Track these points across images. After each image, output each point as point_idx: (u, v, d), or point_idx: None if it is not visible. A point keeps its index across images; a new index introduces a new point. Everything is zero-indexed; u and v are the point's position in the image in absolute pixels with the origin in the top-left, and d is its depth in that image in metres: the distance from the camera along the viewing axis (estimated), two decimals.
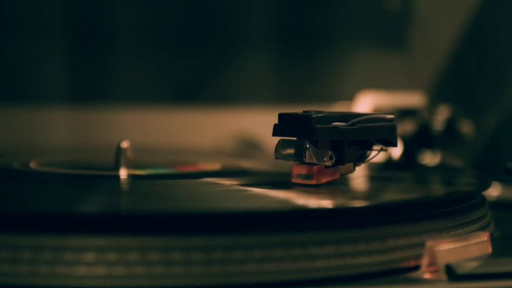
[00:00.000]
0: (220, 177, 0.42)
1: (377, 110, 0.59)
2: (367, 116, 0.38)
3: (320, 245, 0.31)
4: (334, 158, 0.38)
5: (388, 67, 0.76)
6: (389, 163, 0.54)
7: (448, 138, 0.58)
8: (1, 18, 0.71)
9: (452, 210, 0.36)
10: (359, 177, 0.43)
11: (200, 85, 0.74)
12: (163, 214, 0.31)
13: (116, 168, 0.44)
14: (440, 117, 0.58)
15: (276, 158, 0.38)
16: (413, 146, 0.57)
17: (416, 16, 0.76)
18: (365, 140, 0.39)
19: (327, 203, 0.35)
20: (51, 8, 0.71)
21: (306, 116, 0.37)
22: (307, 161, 0.37)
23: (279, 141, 0.38)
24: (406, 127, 0.57)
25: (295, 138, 0.38)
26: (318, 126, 0.37)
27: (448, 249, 0.32)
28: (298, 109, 0.39)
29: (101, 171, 0.46)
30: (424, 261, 0.32)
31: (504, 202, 0.50)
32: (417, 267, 0.33)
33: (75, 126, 0.71)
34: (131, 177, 0.43)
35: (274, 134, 0.38)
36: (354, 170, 0.40)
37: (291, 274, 0.31)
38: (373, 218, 0.33)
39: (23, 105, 0.70)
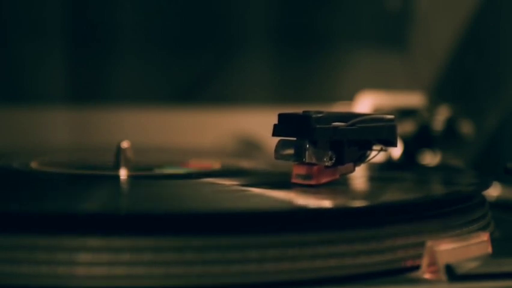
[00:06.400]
0: (219, 177, 0.42)
1: (377, 110, 0.59)
2: (367, 116, 0.38)
3: (318, 245, 0.31)
4: (334, 158, 0.38)
5: (388, 67, 0.76)
6: (389, 163, 0.54)
7: (448, 138, 0.58)
8: (1, 18, 0.71)
9: (452, 210, 0.36)
10: (359, 177, 0.43)
11: (200, 85, 0.74)
12: (159, 214, 0.31)
13: (116, 168, 0.44)
14: (440, 117, 0.58)
15: (276, 158, 0.38)
16: (413, 146, 0.57)
17: (416, 16, 0.76)
18: (364, 140, 0.39)
19: (326, 203, 0.35)
20: (51, 8, 0.71)
21: (305, 116, 0.37)
22: (307, 161, 0.37)
23: (279, 141, 0.38)
24: (406, 127, 0.57)
25: (295, 139, 0.38)
26: (317, 126, 0.37)
27: (448, 249, 0.32)
28: (298, 109, 0.39)
29: (101, 171, 0.46)
30: (424, 261, 0.32)
31: (504, 202, 0.50)
32: (417, 267, 0.33)
33: (75, 126, 0.71)
34: (131, 177, 0.43)
35: (274, 134, 0.38)
36: (354, 170, 0.40)
37: (289, 274, 0.31)
38: (373, 218, 0.33)
39: (23, 105, 0.70)
